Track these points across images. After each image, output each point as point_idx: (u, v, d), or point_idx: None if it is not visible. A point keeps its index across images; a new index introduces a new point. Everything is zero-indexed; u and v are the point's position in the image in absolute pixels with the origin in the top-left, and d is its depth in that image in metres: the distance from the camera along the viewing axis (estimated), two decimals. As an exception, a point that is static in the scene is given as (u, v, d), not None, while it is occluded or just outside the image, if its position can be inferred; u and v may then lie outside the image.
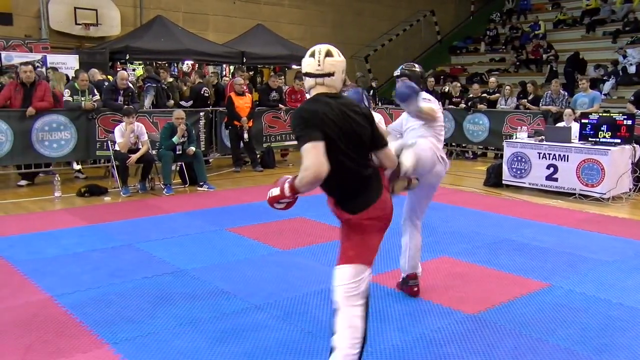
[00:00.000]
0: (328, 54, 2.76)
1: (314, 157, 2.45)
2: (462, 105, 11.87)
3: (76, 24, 14.69)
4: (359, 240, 2.87)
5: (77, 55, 13.09)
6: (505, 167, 8.63)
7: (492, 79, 13.29)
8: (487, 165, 9.63)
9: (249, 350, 3.24)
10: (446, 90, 12.89)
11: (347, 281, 2.75)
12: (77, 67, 11.44)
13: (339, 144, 2.57)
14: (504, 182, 8.63)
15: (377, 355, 3.22)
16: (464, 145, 12.30)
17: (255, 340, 3.37)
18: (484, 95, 12.01)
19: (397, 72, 4.13)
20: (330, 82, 2.71)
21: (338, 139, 2.56)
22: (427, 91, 4.23)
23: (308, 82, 2.74)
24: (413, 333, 3.49)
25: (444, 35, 23.65)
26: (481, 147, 12.12)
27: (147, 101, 10.19)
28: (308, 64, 2.74)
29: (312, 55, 2.76)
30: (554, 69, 16.45)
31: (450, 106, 12.16)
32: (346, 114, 2.62)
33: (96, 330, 3.45)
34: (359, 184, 2.77)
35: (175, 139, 8.01)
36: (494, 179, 8.83)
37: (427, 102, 3.91)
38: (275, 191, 2.69)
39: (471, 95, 12.07)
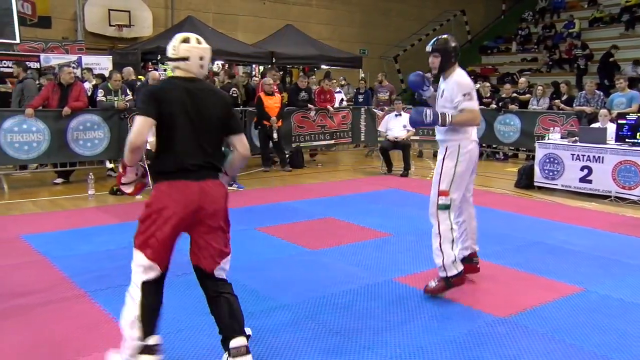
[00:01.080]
0: (185, 40, 2.97)
1: (134, 128, 2.78)
2: (493, 106, 11.71)
3: (110, 25, 14.99)
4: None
5: (111, 56, 13.35)
6: (537, 169, 8.49)
7: (522, 79, 13.07)
8: (518, 166, 9.49)
9: (278, 349, 3.25)
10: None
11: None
12: (111, 67, 11.65)
13: (176, 120, 2.84)
14: (535, 183, 8.48)
15: (405, 357, 3.19)
16: (494, 146, 12.14)
17: (282, 339, 3.38)
18: (515, 95, 11.83)
19: (428, 48, 4.08)
20: (185, 66, 2.94)
21: (177, 116, 2.84)
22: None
23: (170, 65, 3.09)
24: (442, 335, 3.46)
25: (474, 35, 23.38)
26: (512, 148, 11.94)
27: None
28: (168, 49, 3.00)
29: (172, 41, 3.00)
30: (582, 67, 16.14)
31: (480, 107, 11.98)
32: (194, 95, 2.91)
33: (128, 326, 3.50)
34: (180, 156, 2.88)
35: None
36: (525, 181, 8.69)
37: (469, 100, 3.94)
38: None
39: (502, 96, 11.90)
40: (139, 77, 10.71)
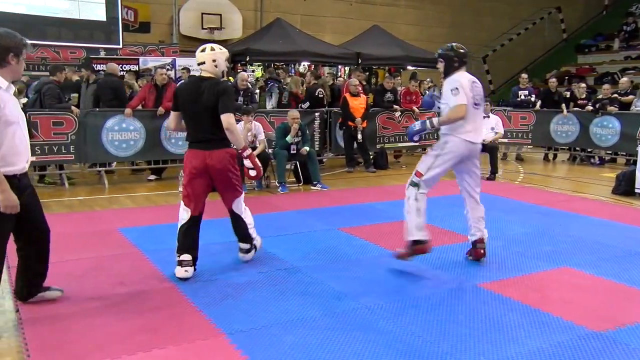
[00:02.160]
0: (202, 50, 4.47)
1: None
2: (589, 108, 11.08)
3: (202, 28, 15.60)
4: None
5: (202, 59, 13.86)
6: (638, 174, 7.94)
7: (624, 79, 12.27)
8: (616, 171, 8.93)
9: (358, 350, 3.25)
10: (567, 95, 12.02)
11: None
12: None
13: (184, 108, 4.40)
14: (637, 190, 7.94)
15: (490, 367, 3.09)
16: (589, 150, 11.50)
17: (364, 340, 3.37)
18: (615, 96, 11.12)
19: (435, 54, 4.75)
20: (203, 67, 4.43)
21: (184, 105, 4.39)
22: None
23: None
24: (530, 346, 3.32)
25: (570, 33, 22.25)
26: (609, 152, 11.26)
27: (273, 101, 10.57)
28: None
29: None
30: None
31: (575, 109, 11.41)
32: (198, 89, 4.31)
33: (214, 319, 3.63)
34: (191, 133, 4.46)
35: (288, 138, 8.23)
36: (624, 187, 8.16)
37: (455, 95, 4.40)
38: None
39: (600, 97, 11.24)
40: (229, 78, 11.07)
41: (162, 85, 8.86)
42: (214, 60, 4.39)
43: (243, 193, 4.63)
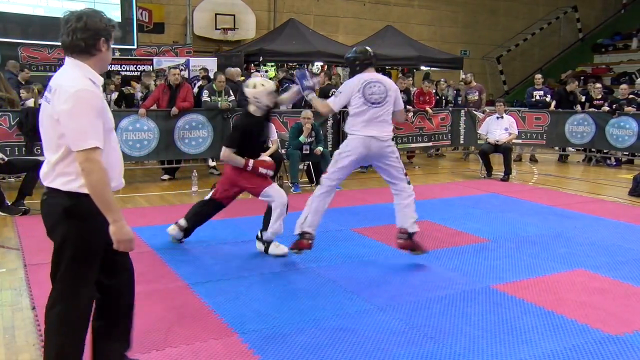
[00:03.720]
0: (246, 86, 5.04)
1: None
2: (605, 108, 10.95)
3: (216, 29, 15.66)
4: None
5: (216, 58, 13.94)
6: (655, 176, 7.85)
7: (641, 80, 12.15)
8: (633, 173, 8.82)
9: (370, 350, 3.24)
10: (582, 98, 11.78)
11: None
12: (216, 69, 12.20)
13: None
14: (653, 192, 7.85)
15: (503, 369, 3.07)
16: (605, 151, 11.37)
17: (376, 341, 3.36)
18: (633, 96, 10.98)
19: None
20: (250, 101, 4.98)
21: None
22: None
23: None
24: (544, 348, 3.29)
25: (587, 32, 22.03)
26: (627, 153, 11.12)
27: None
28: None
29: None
30: None
31: (591, 109, 11.29)
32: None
33: (227, 319, 3.64)
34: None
35: (301, 138, 8.23)
36: (641, 189, 8.06)
37: (334, 97, 4.88)
38: None
39: (617, 97, 11.10)
40: (240, 77, 11.10)
41: (175, 85, 8.91)
42: (255, 97, 4.87)
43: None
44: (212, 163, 9.72)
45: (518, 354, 3.21)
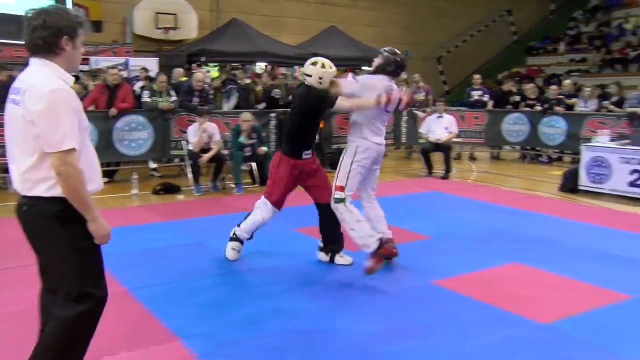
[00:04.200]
0: (312, 62, 4.51)
1: None
2: (538, 108, 11.42)
3: (157, 28, 15.32)
4: None
5: (157, 58, 13.64)
6: (582, 172, 8.24)
7: (567, 81, 12.74)
8: (563, 169, 9.24)
9: (311, 346, 3.26)
10: (517, 98, 12.24)
11: None
12: (157, 69, 11.96)
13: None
14: (580, 187, 8.24)
15: (443, 362, 3.15)
16: (538, 148, 11.85)
17: (321, 340, 3.38)
18: (561, 97, 11.50)
19: (380, 49, 4.88)
20: (308, 80, 4.49)
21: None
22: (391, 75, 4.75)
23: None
24: (482, 340, 3.40)
25: (521, 35, 22.88)
26: (557, 151, 11.63)
27: (231, 102, 10.47)
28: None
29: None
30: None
31: (525, 108, 11.74)
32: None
33: (168, 324, 3.57)
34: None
35: (241, 139, 8.17)
36: (570, 184, 8.44)
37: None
38: None
39: (549, 97, 11.60)
40: (184, 77, 10.93)
41: (114, 85, 8.67)
42: (320, 77, 4.42)
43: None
44: (153, 165, 9.52)
45: (458, 348, 3.31)
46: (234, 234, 4.91)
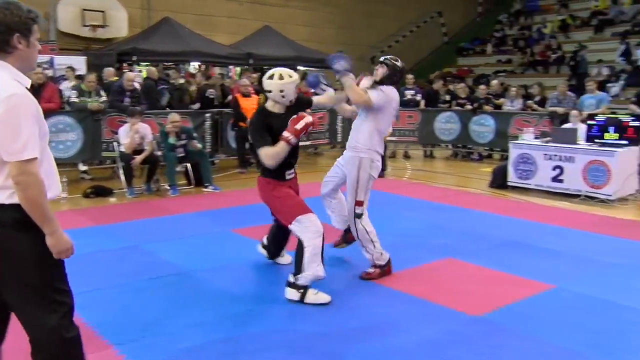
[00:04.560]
0: (270, 77, 4.02)
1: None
2: (468, 107, 11.83)
3: (84, 25, 14.76)
4: None
5: (85, 57, 13.15)
6: (510, 169, 8.60)
7: (495, 82, 13.28)
8: (492, 166, 9.60)
9: (249, 350, 3.24)
10: (448, 97, 12.68)
11: None
12: (84, 68, 11.53)
13: None
14: (509, 183, 8.60)
15: (381, 358, 3.21)
16: (469, 146, 12.28)
17: (262, 342, 3.37)
18: (489, 96, 11.97)
19: (381, 58, 4.63)
20: (270, 96, 4.09)
21: None
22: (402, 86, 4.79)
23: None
24: (417, 335, 3.49)
25: (451, 36, 23.60)
26: (487, 148, 12.08)
27: (162, 102, 10.24)
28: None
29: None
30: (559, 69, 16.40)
31: (456, 107, 12.13)
32: None
33: (101, 331, 3.47)
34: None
35: (171, 140, 8.02)
36: (499, 181, 8.79)
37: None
38: None
39: (478, 96, 12.03)
40: (115, 78, 10.60)
41: (38, 85, 8.29)
42: (281, 91, 3.97)
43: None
44: (82, 167, 9.17)
45: (394, 342, 3.38)
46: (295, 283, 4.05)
